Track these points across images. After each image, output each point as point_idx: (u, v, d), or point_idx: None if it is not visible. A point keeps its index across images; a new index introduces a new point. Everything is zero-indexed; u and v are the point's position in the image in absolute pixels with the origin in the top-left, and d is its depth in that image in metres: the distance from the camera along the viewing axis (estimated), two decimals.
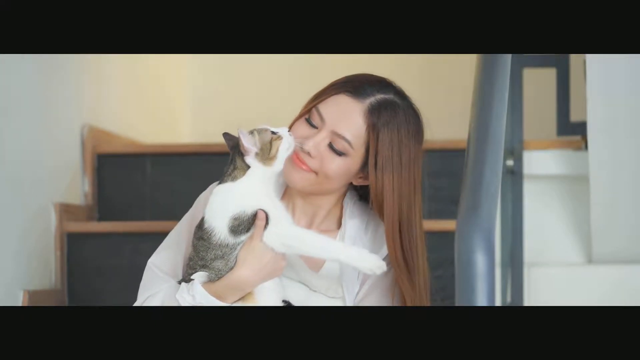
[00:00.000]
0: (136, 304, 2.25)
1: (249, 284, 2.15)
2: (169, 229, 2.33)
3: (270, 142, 2.15)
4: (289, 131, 2.19)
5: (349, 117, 2.19)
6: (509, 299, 3.16)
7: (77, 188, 3.48)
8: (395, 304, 2.22)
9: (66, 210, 3.30)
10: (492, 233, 1.81)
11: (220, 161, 2.21)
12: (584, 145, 3.21)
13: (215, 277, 2.15)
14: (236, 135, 2.16)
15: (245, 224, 2.14)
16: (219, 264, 2.14)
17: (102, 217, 3.54)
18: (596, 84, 2.86)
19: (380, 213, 2.21)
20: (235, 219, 2.14)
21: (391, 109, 2.19)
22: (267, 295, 2.16)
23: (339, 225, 2.28)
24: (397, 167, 2.19)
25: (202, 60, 4.83)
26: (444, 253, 2.73)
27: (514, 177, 3.21)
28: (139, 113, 4.20)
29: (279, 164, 2.16)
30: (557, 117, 3.25)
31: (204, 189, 2.31)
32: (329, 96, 2.21)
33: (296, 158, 2.19)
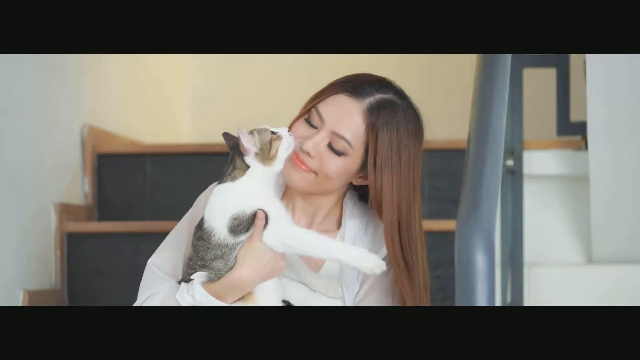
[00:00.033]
0: (136, 304, 2.25)
1: (248, 284, 2.15)
2: (169, 229, 2.33)
3: (270, 142, 2.15)
4: (288, 131, 2.19)
5: (348, 117, 2.19)
6: (509, 299, 3.16)
7: (77, 188, 3.48)
8: (395, 304, 2.22)
9: (66, 210, 3.30)
10: (492, 233, 1.81)
11: (220, 161, 2.21)
12: (584, 145, 3.21)
13: (214, 277, 2.15)
14: (236, 135, 2.16)
15: (244, 224, 2.14)
16: (218, 264, 2.14)
17: (102, 217, 3.54)
18: (596, 84, 2.86)
19: (380, 213, 2.21)
20: (234, 218, 2.14)
21: (390, 109, 2.19)
22: (267, 295, 2.16)
23: (339, 225, 2.28)
24: (397, 167, 2.19)
25: (202, 60, 4.83)
26: (444, 253, 2.73)
27: (514, 177, 3.21)
28: (139, 113, 4.20)
29: (278, 164, 2.16)
30: (557, 117, 3.25)
31: (204, 189, 2.31)
32: (329, 96, 2.21)
33: (296, 158, 2.19)
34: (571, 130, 3.25)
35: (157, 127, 4.41)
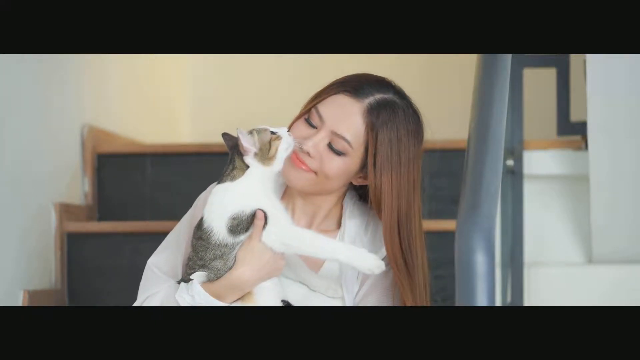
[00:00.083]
0: (135, 304, 2.25)
1: (248, 284, 2.15)
2: (169, 229, 2.33)
3: (270, 142, 2.15)
4: (288, 131, 2.19)
5: (348, 117, 2.19)
6: (509, 299, 3.16)
7: (77, 188, 3.48)
8: (395, 304, 2.22)
9: (66, 210, 3.30)
10: (492, 233, 1.81)
11: (220, 161, 2.21)
12: (584, 145, 3.21)
13: (214, 277, 2.15)
14: (235, 135, 2.16)
15: (244, 224, 2.14)
16: (218, 263, 2.14)
17: (102, 217, 3.54)
18: (596, 84, 2.86)
19: (380, 213, 2.21)
20: (234, 218, 2.14)
21: (390, 109, 2.19)
22: (267, 295, 2.16)
23: (339, 225, 2.28)
24: (396, 167, 2.18)
25: (202, 60, 4.83)
26: (444, 253, 2.73)
27: (514, 177, 3.21)
28: (139, 113, 4.20)
29: (278, 164, 2.16)
30: (557, 117, 3.25)
31: (204, 189, 2.31)
32: (328, 96, 2.21)
33: (295, 158, 2.19)
34: (571, 130, 3.25)
35: (157, 127, 4.41)
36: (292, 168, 2.20)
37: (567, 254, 3.27)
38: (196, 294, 2.14)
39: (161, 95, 4.56)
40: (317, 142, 2.19)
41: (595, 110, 2.92)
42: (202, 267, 2.15)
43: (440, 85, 4.64)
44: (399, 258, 2.19)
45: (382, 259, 2.14)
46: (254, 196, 2.15)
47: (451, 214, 3.13)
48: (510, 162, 3.19)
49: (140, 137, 4.06)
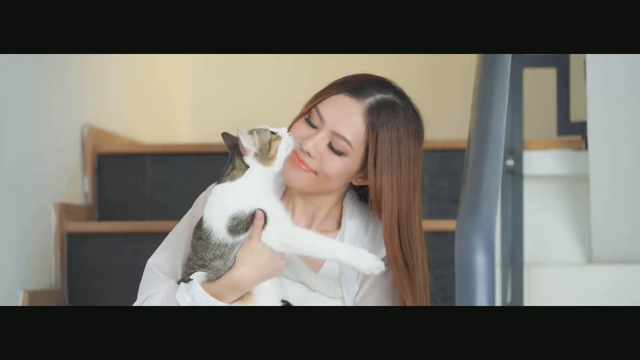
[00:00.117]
0: (135, 304, 2.25)
1: (247, 284, 2.15)
2: (169, 229, 2.33)
3: (270, 142, 2.15)
4: (288, 131, 2.19)
5: (348, 117, 2.19)
6: (509, 299, 3.16)
7: (77, 188, 3.48)
8: (395, 304, 2.22)
9: (66, 210, 3.30)
10: (492, 233, 1.81)
11: (220, 161, 2.21)
12: (584, 145, 3.21)
13: (214, 277, 2.15)
14: (235, 135, 2.16)
15: (243, 224, 2.14)
16: (217, 263, 2.14)
17: (102, 217, 3.54)
18: (596, 84, 2.86)
19: (380, 213, 2.21)
20: (233, 218, 2.14)
21: (391, 109, 2.19)
22: (266, 295, 2.16)
23: (339, 225, 2.28)
24: (397, 167, 2.19)
25: (202, 60, 4.83)
26: (444, 253, 2.73)
27: (514, 177, 3.21)
28: (139, 113, 4.20)
29: (278, 164, 2.16)
30: (557, 117, 3.25)
31: (204, 189, 2.31)
32: (329, 96, 2.21)
33: (296, 158, 2.19)
34: (571, 130, 3.25)
35: (157, 127, 4.41)
36: (292, 168, 2.20)
37: (567, 254, 3.27)
38: (196, 294, 2.14)
39: (161, 95, 4.56)
40: (318, 142, 2.19)
41: (595, 110, 2.92)
42: (202, 267, 2.15)
43: (440, 85, 4.63)
44: (399, 258, 2.19)
45: (382, 259, 2.14)
46: (254, 196, 2.15)
47: (451, 214, 3.13)
48: (510, 162, 3.19)
49: (140, 137, 4.06)
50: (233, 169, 2.16)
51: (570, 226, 3.27)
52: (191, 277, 2.16)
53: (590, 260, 3.26)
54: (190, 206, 2.32)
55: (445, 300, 3.03)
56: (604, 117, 2.93)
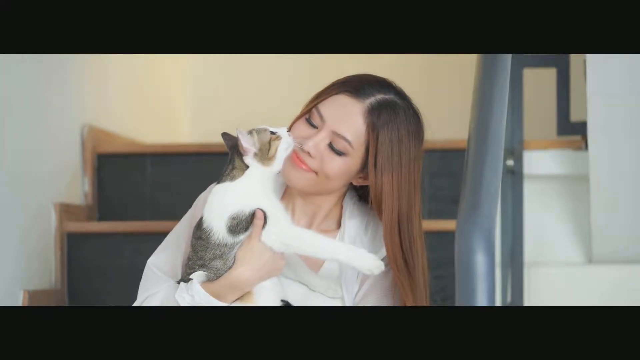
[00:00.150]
0: (135, 304, 2.25)
1: (247, 283, 2.15)
2: (169, 229, 2.33)
3: (269, 142, 2.15)
4: (288, 131, 2.20)
5: (349, 117, 2.19)
6: (509, 299, 3.16)
7: (77, 188, 3.48)
8: (395, 304, 2.22)
9: (66, 210, 3.30)
10: (492, 233, 1.81)
11: (220, 161, 2.21)
12: (584, 145, 3.21)
13: (214, 277, 2.15)
14: (235, 135, 2.16)
15: (243, 224, 2.14)
16: (217, 263, 2.14)
17: (102, 217, 3.54)
18: (596, 84, 2.86)
19: (380, 213, 2.21)
20: (233, 218, 2.14)
21: (391, 109, 2.19)
22: (266, 295, 2.16)
23: (339, 225, 2.28)
24: (397, 167, 2.19)
25: (202, 60, 4.83)
26: (444, 253, 2.73)
27: (514, 177, 3.21)
28: (139, 113, 4.20)
29: (277, 164, 2.16)
30: (557, 117, 3.25)
31: (204, 189, 2.31)
32: (329, 96, 2.21)
33: (296, 158, 2.19)
34: (571, 130, 3.25)
35: (157, 127, 4.41)
36: (292, 168, 2.20)
37: (567, 254, 3.27)
38: (196, 294, 2.14)
39: (161, 95, 4.56)
40: (318, 142, 2.19)
41: (595, 110, 2.92)
42: (202, 266, 2.15)
43: (440, 85, 4.64)
44: (399, 258, 2.19)
45: (382, 259, 2.14)
46: (254, 196, 2.15)
47: (451, 214, 3.13)
48: (510, 162, 3.19)
49: (140, 137, 4.06)
50: (233, 169, 2.16)
51: (570, 226, 3.28)
52: (191, 276, 2.16)
53: (590, 260, 3.26)
54: (190, 206, 2.32)
55: (445, 300, 3.03)
56: (604, 117, 2.94)
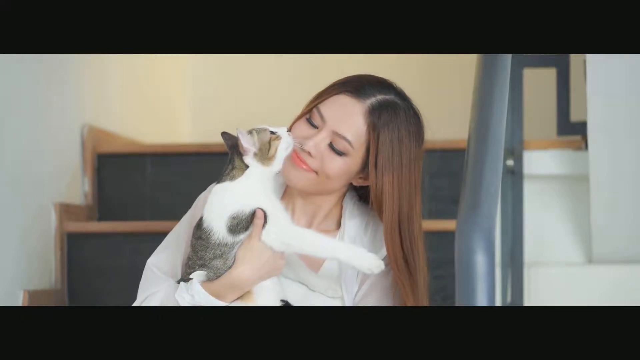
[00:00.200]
0: (135, 303, 2.25)
1: (247, 283, 2.15)
2: (169, 229, 2.33)
3: (269, 142, 2.15)
4: (288, 131, 2.20)
5: (349, 117, 2.19)
6: (509, 299, 3.16)
7: (77, 188, 3.48)
8: (395, 304, 2.22)
9: (66, 210, 3.30)
10: (492, 233, 1.81)
11: (220, 161, 2.22)
12: (584, 145, 3.21)
13: (214, 276, 2.15)
14: (235, 134, 2.16)
15: (243, 223, 2.14)
16: (217, 263, 2.14)
17: (102, 217, 3.54)
18: (596, 84, 2.86)
19: (380, 213, 2.21)
20: (233, 218, 2.14)
21: (392, 110, 2.19)
22: (266, 295, 2.16)
23: (339, 225, 2.28)
24: (398, 167, 2.19)
25: (202, 60, 4.83)
26: (444, 253, 2.73)
27: (514, 177, 3.21)
28: (139, 113, 4.20)
29: (277, 163, 2.16)
30: (557, 117, 3.26)
31: (204, 189, 2.31)
32: (330, 96, 2.21)
33: (296, 157, 2.19)
34: (571, 130, 3.25)
35: (157, 127, 4.41)
36: (292, 168, 2.20)
37: (567, 254, 3.28)
38: (196, 294, 2.14)
39: (161, 95, 4.56)
40: (318, 141, 2.19)
41: (595, 110, 2.92)
42: (202, 266, 2.15)
43: (440, 85, 4.64)
44: (400, 259, 2.19)
45: (382, 259, 2.14)
46: (254, 196, 2.15)
47: (451, 214, 3.13)
48: (510, 162, 3.19)
49: (140, 137, 4.06)
50: (233, 168, 2.16)
51: (570, 226, 3.28)
52: (191, 276, 2.16)
53: (590, 260, 3.26)
54: (190, 206, 2.32)
55: (445, 300, 3.03)
56: (604, 117, 2.94)
